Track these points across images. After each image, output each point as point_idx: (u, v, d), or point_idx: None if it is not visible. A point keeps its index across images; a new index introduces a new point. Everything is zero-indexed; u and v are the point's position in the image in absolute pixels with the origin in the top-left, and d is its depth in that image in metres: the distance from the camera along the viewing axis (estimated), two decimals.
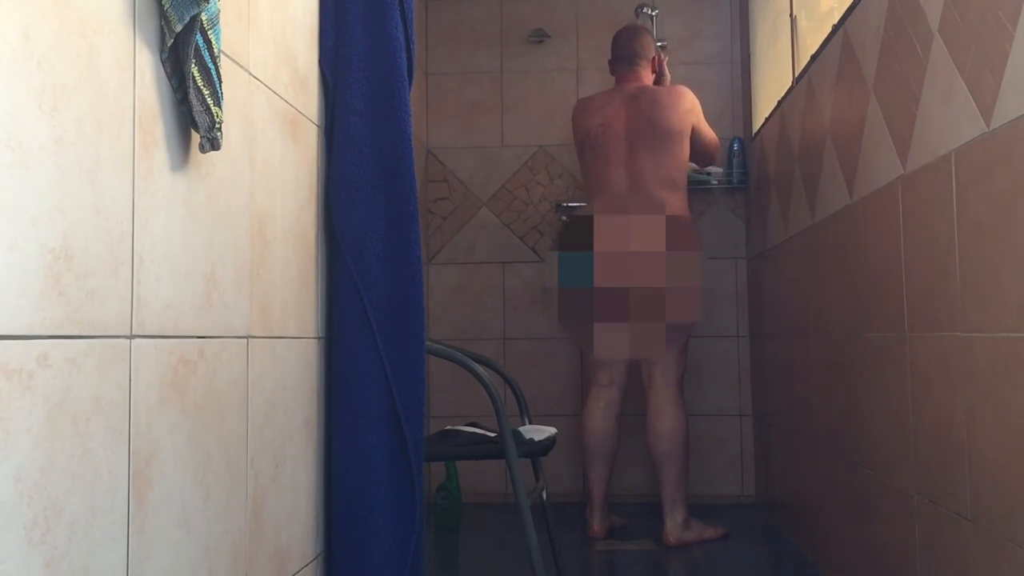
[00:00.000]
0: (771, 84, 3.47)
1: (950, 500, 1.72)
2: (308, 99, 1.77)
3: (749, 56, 3.92)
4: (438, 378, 4.03)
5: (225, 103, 1.35)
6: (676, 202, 3.34)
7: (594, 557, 3.08)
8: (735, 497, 3.96)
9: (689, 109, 3.41)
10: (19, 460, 0.89)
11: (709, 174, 3.97)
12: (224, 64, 1.36)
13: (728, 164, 3.99)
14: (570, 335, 3.74)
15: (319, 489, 1.81)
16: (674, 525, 3.22)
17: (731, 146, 3.98)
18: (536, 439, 2.35)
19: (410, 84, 1.93)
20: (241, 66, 1.43)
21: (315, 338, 1.78)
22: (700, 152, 3.50)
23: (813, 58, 2.72)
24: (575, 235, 3.35)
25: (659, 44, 4.06)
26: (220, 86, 1.26)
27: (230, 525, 1.38)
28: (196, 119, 1.20)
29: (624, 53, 3.52)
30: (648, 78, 3.53)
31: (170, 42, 1.16)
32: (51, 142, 0.95)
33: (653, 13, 4.07)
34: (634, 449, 3.99)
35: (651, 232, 3.23)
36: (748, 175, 3.93)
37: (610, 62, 3.56)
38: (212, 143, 1.24)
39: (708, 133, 3.49)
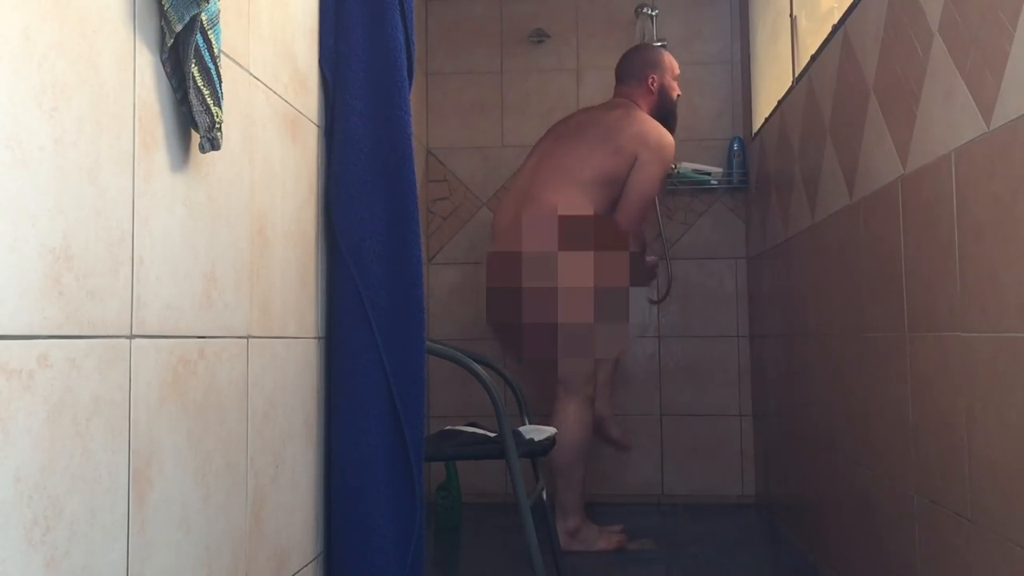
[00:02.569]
0: (771, 84, 3.47)
1: (950, 500, 1.72)
2: (308, 99, 1.77)
3: (749, 56, 3.92)
4: (438, 378, 4.03)
5: (225, 103, 1.35)
6: (570, 195, 3.06)
7: (594, 557, 3.08)
8: (735, 497, 3.96)
9: (645, 141, 3.11)
10: (19, 460, 0.89)
11: (709, 174, 3.97)
12: (224, 64, 1.36)
13: (728, 164, 3.99)
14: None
15: (319, 489, 1.81)
16: (562, 533, 3.03)
17: (731, 146, 3.98)
18: (536, 439, 2.35)
19: (410, 84, 1.93)
20: (241, 66, 1.43)
21: (315, 338, 1.78)
22: (622, 198, 3.13)
23: (813, 58, 2.72)
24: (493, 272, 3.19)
25: (659, 44, 4.05)
26: (220, 86, 1.26)
27: (230, 525, 1.38)
28: (196, 119, 1.20)
29: (617, 72, 3.44)
30: (644, 100, 3.32)
31: (170, 42, 1.16)
32: (51, 142, 0.95)
33: (653, 13, 4.07)
34: (635, 449, 3.99)
35: (541, 231, 3.02)
36: (748, 175, 3.93)
37: None
38: (212, 143, 1.24)
39: (645, 186, 3.11)
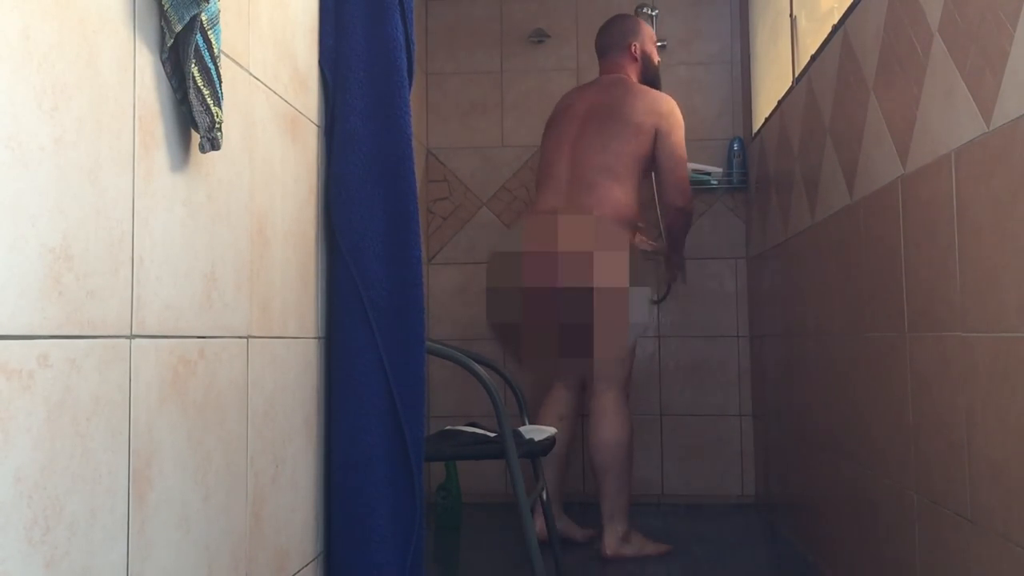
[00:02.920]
0: (771, 84, 3.47)
1: (950, 500, 1.72)
2: (308, 99, 1.77)
3: (749, 56, 3.92)
4: (438, 378, 4.03)
5: (225, 103, 1.35)
6: (615, 194, 3.11)
7: (593, 557, 3.08)
8: (735, 497, 3.96)
9: (658, 111, 3.18)
10: (19, 460, 0.89)
11: (709, 174, 3.97)
12: (224, 64, 1.36)
13: (728, 164, 4.00)
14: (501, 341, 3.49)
15: (319, 489, 1.81)
16: (612, 538, 3.04)
17: (731, 146, 3.98)
18: (536, 439, 2.35)
19: (410, 84, 1.93)
20: (241, 66, 1.43)
21: (315, 338, 1.78)
22: (661, 174, 3.22)
23: (813, 58, 2.72)
24: (501, 272, 3.17)
25: (659, 44, 4.06)
26: (220, 86, 1.26)
27: (230, 525, 1.38)
28: (196, 119, 1.20)
29: (598, 45, 3.45)
30: (631, 68, 3.36)
31: (170, 42, 1.16)
32: (51, 142, 0.95)
33: (653, 13, 4.07)
34: (636, 450, 3.99)
35: (577, 233, 3.04)
36: (748, 175, 3.93)
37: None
38: (212, 143, 1.24)
39: (676, 151, 3.19)
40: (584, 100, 3.29)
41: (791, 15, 3.13)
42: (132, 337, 1.10)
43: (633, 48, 3.36)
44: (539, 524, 3.05)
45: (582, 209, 3.09)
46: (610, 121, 3.17)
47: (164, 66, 1.17)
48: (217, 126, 1.25)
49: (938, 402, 1.77)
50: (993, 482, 1.53)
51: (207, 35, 1.21)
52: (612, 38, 3.39)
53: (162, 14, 1.15)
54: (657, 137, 3.18)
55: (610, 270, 3.01)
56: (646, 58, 3.40)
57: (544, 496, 2.55)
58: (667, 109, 3.21)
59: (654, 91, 3.28)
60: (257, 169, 1.49)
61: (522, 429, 2.44)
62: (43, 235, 0.93)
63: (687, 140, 4.03)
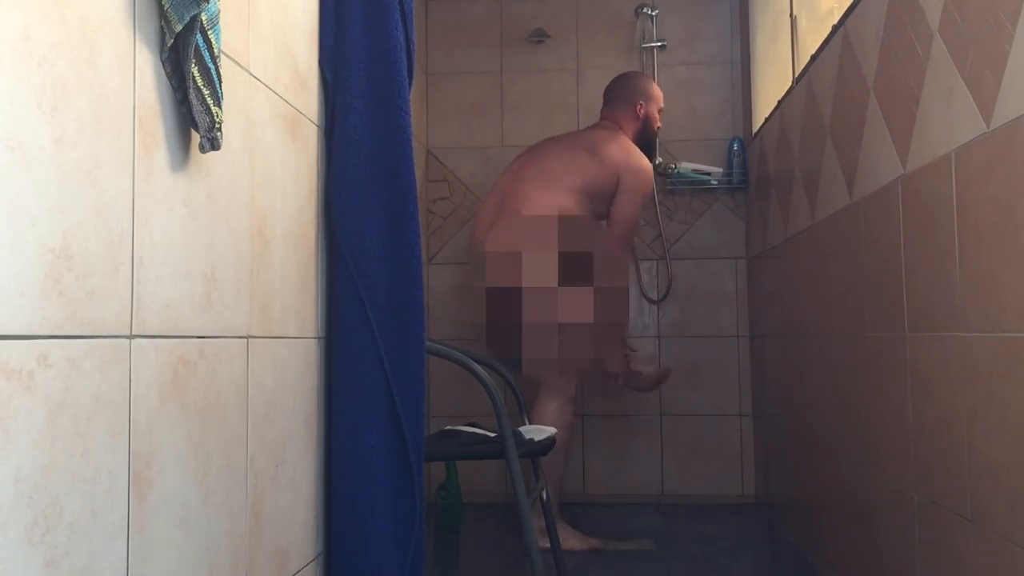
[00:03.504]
0: (771, 84, 3.47)
1: (950, 500, 1.72)
2: (308, 99, 1.77)
3: (749, 56, 3.92)
4: (438, 378, 4.03)
5: (225, 103, 1.35)
6: (543, 199, 3.11)
7: (594, 557, 3.08)
8: (735, 497, 3.96)
9: (628, 164, 3.18)
10: (19, 460, 0.89)
11: (709, 174, 3.97)
12: (224, 64, 1.36)
13: (728, 164, 4.00)
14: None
15: (319, 489, 1.81)
16: (536, 530, 3.07)
17: (731, 146, 3.98)
18: (536, 439, 2.35)
19: (410, 84, 1.93)
20: (241, 66, 1.43)
21: (315, 338, 1.78)
22: (609, 223, 3.19)
23: (813, 58, 2.72)
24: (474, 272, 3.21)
25: (659, 44, 4.06)
26: (220, 86, 1.26)
27: (230, 525, 1.38)
28: (196, 119, 1.20)
29: (606, 94, 3.53)
30: (630, 124, 3.40)
31: (170, 42, 1.16)
32: (51, 142, 0.95)
33: (653, 13, 4.07)
34: (635, 449, 3.99)
35: (509, 231, 3.09)
36: (748, 175, 3.93)
37: None
38: (212, 143, 1.24)
39: (628, 210, 3.17)
40: (566, 135, 3.39)
41: (791, 15, 3.13)
42: (132, 337, 1.10)
43: (639, 107, 3.42)
44: (538, 524, 3.06)
45: (514, 210, 3.13)
46: (579, 145, 3.24)
47: (164, 66, 1.17)
48: (217, 126, 1.25)
49: (938, 402, 1.77)
50: (993, 482, 1.53)
51: (207, 35, 1.21)
52: (622, 91, 3.45)
53: (162, 14, 1.15)
54: (619, 186, 3.20)
55: (538, 271, 3.04)
56: (648, 121, 3.44)
57: (544, 496, 2.55)
58: (638, 166, 3.23)
59: (636, 149, 3.30)
60: (257, 169, 1.49)
61: (522, 429, 2.44)
62: (43, 235, 0.93)
63: (687, 140, 4.05)
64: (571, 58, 4.16)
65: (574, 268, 3.07)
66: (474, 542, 3.37)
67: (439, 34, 4.18)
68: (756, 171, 3.75)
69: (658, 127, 3.50)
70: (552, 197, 3.13)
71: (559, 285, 3.05)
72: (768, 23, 3.56)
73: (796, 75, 2.99)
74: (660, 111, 3.50)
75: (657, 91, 3.49)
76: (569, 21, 4.17)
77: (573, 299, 3.06)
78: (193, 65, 1.18)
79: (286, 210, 1.63)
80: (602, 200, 3.21)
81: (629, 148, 3.28)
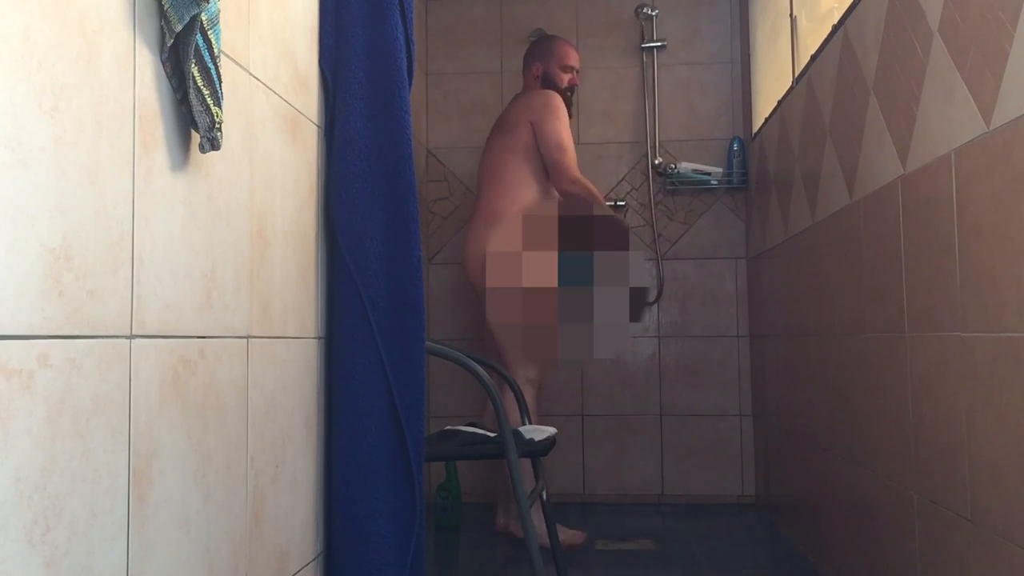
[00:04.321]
0: (771, 84, 3.47)
1: (950, 500, 1.72)
2: (308, 99, 1.77)
3: (749, 56, 3.92)
4: (438, 378, 4.03)
5: (225, 103, 1.35)
6: (495, 195, 3.29)
7: (593, 557, 3.08)
8: (735, 497, 3.96)
9: (529, 106, 3.31)
10: (19, 460, 0.89)
11: (709, 174, 3.97)
12: (224, 64, 1.36)
13: (728, 164, 3.99)
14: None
15: (319, 489, 1.81)
16: (504, 515, 3.33)
17: (731, 146, 3.98)
18: (536, 439, 2.35)
19: (410, 84, 1.93)
20: (241, 66, 1.43)
21: (315, 338, 1.78)
22: (545, 163, 3.29)
23: (813, 58, 2.72)
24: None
25: (659, 44, 4.06)
26: (220, 86, 1.26)
27: (230, 525, 1.38)
28: (196, 119, 1.20)
29: None
30: (529, 88, 3.51)
31: (170, 42, 1.16)
32: (51, 142, 0.95)
33: (653, 13, 4.07)
34: (635, 449, 3.99)
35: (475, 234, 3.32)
36: (748, 175, 3.93)
37: None
38: (212, 143, 1.24)
39: (551, 139, 3.25)
40: (494, 125, 3.53)
41: (791, 15, 3.13)
42: (132, 337, 1.10)
43: (535, 69, 3.50)
44: (539, 524, 3.10)
45: (479, 213, 3.32)
46: (497, 132, 3.39)
47: (164, 66, 1.17)
48: (217, 126, 1.25)
49: (938, 402, 1.77)
50: (993, 482, 1.53)
51: (207, 35, 1.21)
52: (524, 61, 3.57)
53: (162, 14, 1.15)
54: (534, 130, 3.29)
55: (503, 270, 3.19)
56: (548, 80, 3.48)
57: (544, 496, 2.55)
58: (539, 103, 3.31)
59: (531, 92, 3.39)
60: (257, 169, 1.49)
61: (522, 429, 2.44)
62: (43, 235, 0.93)
63: (687, 140, 4.04)
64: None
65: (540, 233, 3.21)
66: (474, 542, 3.37)
67: (439, 34, 4.18)
68: (756, 171, 3.75)
69: (569, 83, 3.49)
70: (507, 189, 3.28)
71: (523, 250, 3.18)
72: (768, 23, 3.56)
73: (796, 75, 2.99)
74: (567, 67, 3.49)
75: (559, 49, 3.50)
76: (569, 21, 4.16)
77: (537, 263, 3.16)
78: (193, 65, 1.18)
79: (286, 210, 1.63)
80: (530, 149, 3.32)
81: (523, 95, 3.40)
